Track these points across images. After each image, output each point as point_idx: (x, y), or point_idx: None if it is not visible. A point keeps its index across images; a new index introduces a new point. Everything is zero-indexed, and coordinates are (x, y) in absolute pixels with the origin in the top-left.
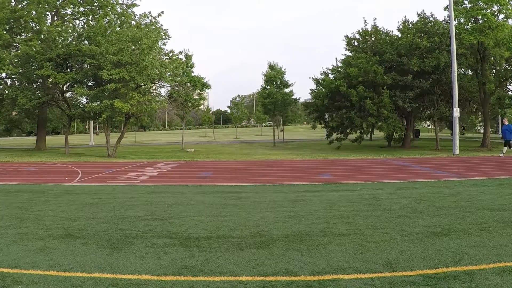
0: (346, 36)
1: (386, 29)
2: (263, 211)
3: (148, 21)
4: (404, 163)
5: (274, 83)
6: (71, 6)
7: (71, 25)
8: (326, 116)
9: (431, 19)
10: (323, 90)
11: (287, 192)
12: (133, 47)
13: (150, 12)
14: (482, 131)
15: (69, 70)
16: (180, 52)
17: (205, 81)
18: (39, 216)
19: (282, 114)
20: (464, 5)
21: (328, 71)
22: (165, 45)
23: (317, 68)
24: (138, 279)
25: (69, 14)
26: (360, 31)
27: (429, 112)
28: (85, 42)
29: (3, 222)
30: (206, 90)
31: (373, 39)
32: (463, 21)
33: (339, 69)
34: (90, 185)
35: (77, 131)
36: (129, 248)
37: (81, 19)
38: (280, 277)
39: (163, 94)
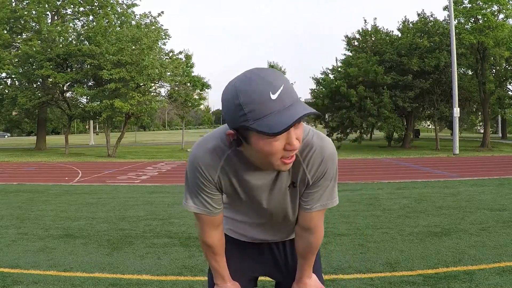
0: (346, 36)
1: (386, 29)
2: None
3: (148, 21)
4: (404, 163)
5: None
6: (71, 6)
7: (71, 25)
8: (326, 116)
9: (431, 19)
10: (323, 90)
11: None
12: (133, 47)
13: (150, 12)
14: (482, 131)
15: (69, 70)
16: (180, 52)
17: (205, 81)
18: (39, 216)
19: None
20: (464, 5)
21: (328, 71)
22: (165, 45)
23: (317, 68)
24: (138, 279)
25: (69, 14)
26: (360, 31)
27: (429, 112)
28: (85, 42)
29: (3, 222)
30: (206, 90)
31: (373, 39)
32: (463, 21)
33: (339, 69)
34: (90, 185)
35: (77, 131)
36: (129, 248)
37: (81, 19)
38: None
39: (163, 94)
